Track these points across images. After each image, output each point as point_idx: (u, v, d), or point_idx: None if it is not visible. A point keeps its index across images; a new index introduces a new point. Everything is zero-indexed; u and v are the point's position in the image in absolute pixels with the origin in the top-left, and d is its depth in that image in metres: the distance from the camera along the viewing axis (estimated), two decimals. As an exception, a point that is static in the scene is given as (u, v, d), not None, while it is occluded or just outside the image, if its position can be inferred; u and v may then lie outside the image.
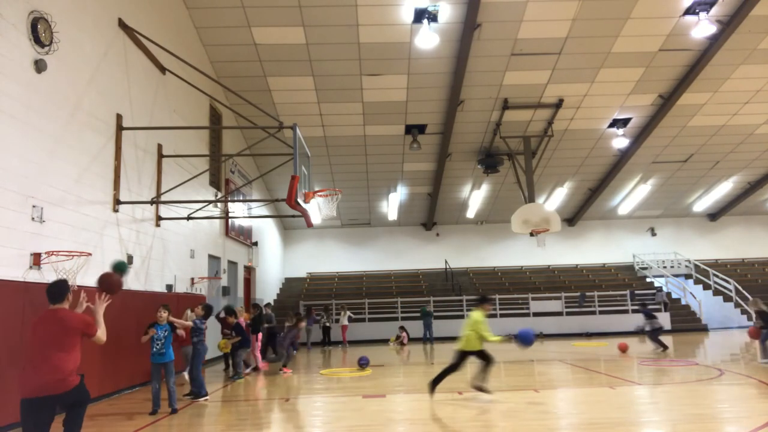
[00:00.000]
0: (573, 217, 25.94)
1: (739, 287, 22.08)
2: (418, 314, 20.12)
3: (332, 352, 16.89)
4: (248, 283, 18.80)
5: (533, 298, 21.99)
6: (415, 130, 17.82)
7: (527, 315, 21.43)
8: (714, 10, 13.07)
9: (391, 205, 23.79)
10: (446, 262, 25.54)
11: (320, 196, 12.72)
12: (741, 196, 24.22)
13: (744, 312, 21.57)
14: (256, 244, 19.53)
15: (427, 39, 13.07)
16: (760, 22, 13.60)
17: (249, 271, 18.86)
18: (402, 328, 19.93)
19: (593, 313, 21.46)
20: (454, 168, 20.74)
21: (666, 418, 6.35)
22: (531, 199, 18.32)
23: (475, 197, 23.41)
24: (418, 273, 25.93)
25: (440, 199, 23.18)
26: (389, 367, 12.37)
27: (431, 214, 24.82)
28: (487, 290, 23.36)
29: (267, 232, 22.04)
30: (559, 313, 21.55)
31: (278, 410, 7.80)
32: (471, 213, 25.07)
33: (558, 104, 16.81)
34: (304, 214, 11.17)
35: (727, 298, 22.57)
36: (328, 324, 18.80)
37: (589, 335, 20.34)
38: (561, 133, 18.55)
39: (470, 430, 6.07)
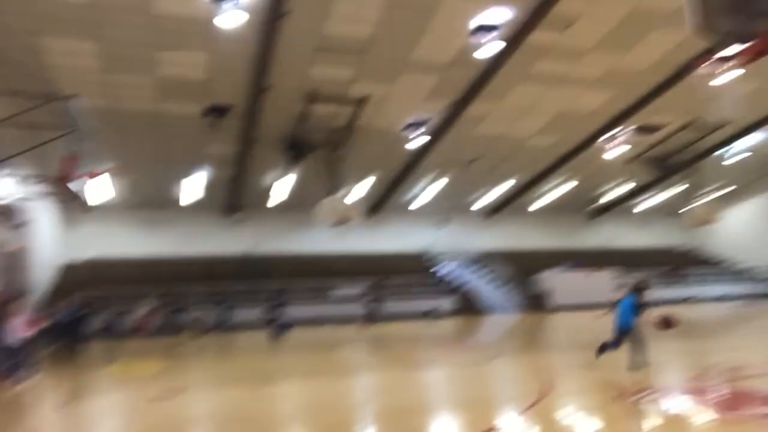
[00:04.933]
0: (374, 207, 27.15)
1: (511, 274, 25.45)
2: (217, 302, 19.38)
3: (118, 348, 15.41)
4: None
5: (336, 285, 22.71)
6: (216, 111, 16.95)
7: (330, 301, 22.10)
8: (496, 34, 14.57)
9: (190, 188, 22.38)
10: (249, 247, 24.99)
11: (96, 175, 11.52)
12: (513, 197, 27.92)
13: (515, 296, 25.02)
14: (23, 224, 16.85)
15: (229, 19, 12.40)
16: (533, 49, 15.47)
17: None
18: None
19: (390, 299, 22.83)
20: (260, 154, 20.25)
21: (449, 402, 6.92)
22: (335, 190, 18.77)
23: (281, 184, 23.18)
24: (218, 258, 24.89)
25: (245, 184, 22.51)
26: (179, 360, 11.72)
27: (235, 199, 24.00)
28: (291, 276, 23.50)
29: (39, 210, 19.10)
30: (362, 298, 22.43)
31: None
32: (276, 199, 24.81)
33: (361, 102, 17.35)
34: (79, 195, 10.06)
35: (502, 284, 25.79)
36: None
37: (383, 320, 21.51)
38: (363, 130, 19.19)
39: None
